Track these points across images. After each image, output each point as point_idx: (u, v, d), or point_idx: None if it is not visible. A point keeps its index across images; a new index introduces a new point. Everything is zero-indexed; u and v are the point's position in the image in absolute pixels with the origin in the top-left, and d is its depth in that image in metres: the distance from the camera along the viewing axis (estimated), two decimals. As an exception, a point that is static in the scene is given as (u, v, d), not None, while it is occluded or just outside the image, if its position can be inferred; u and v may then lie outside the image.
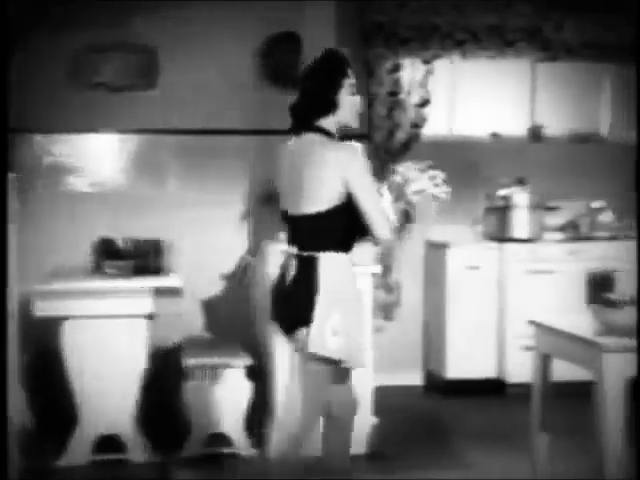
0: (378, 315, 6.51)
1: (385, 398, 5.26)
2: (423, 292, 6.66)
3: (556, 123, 6.92)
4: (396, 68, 6.52)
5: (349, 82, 3.45)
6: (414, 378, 6.62)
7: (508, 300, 6.21)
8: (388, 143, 6.50)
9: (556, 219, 6.59)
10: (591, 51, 6.67)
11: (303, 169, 3.34)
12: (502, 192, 6.38)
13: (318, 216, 3.32)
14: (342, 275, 3.35)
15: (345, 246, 3.40)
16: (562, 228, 6.59)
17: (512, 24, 6.58)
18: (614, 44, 6.66)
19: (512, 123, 6.89)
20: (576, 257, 6.30)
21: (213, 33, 6.10)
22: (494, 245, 6.32)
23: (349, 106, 3.45)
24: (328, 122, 3.43)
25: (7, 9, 3.97)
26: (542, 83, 6.94)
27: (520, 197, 6.31)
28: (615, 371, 3.44)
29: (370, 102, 6.49)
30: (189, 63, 6.08)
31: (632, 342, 3.44)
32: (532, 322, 4.03)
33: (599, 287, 5.96)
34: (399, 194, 3.56)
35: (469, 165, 6.65)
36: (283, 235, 3.65)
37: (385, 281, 6.52)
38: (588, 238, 6.47)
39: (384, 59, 6.50)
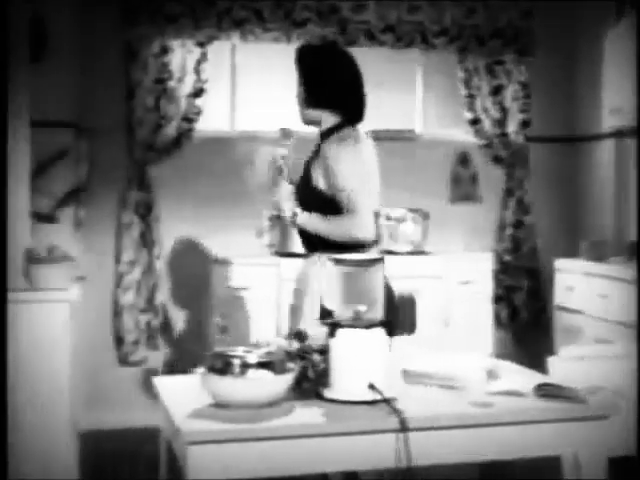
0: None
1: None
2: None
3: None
4: (164, 51, 5.50)
5: None
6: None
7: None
8: (154, 139, 5.47)
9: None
10: (395, 36, 5.76)
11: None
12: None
13: None
14: None
15: None
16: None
17: (302, 1, 5.63)
18: (424, 28, 5.78)
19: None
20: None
21: None
22: (274, 261, 5.32)
23: None
24: None
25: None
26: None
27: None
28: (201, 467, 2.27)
29: (132, 91, 5.46)
30: None
31: (225, 428, 2.28)
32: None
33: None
34: None
35: (254, 166, 5.69)
36: None
37: (151, 304, 5.52)
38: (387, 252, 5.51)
39: (149, 40, 5.47)
